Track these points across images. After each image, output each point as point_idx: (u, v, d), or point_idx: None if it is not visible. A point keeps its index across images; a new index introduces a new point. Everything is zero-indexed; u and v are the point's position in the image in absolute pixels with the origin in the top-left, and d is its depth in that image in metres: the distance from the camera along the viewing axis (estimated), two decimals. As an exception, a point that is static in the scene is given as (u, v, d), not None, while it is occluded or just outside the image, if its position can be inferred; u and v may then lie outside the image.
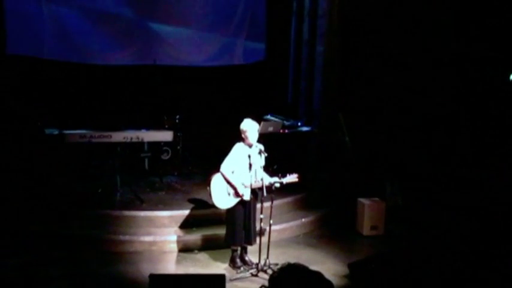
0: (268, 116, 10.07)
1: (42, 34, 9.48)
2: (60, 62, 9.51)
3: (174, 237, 6.92)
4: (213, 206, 6.32)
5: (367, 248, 7.24)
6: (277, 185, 6.19)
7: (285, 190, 6.80)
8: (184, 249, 6.86)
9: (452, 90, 8.26)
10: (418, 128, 8.67)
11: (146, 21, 10.11)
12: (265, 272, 6.14)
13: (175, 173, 8.86)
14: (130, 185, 7.89)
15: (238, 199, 6.16)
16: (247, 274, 6.18)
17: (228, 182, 6.10)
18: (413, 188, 8.42)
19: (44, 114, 8.93)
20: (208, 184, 6.19)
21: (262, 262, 6.17)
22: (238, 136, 6.22)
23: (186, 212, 7.24)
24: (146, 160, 8.89)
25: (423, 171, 8.47)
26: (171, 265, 6.59)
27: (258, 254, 6.17)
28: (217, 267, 6.43)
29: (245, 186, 6.11)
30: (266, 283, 5.62)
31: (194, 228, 7.13)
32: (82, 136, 8.39)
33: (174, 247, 6.87)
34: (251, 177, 6.10)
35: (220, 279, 4.26)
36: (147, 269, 6.15)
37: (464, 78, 8.10)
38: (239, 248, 6.42)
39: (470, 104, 8.04)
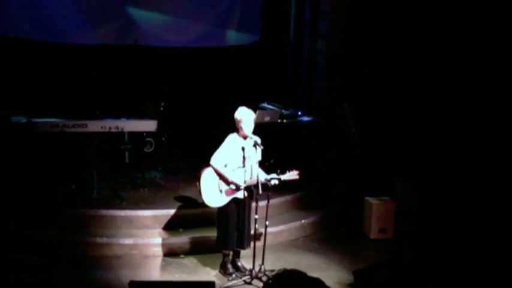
0: (265, 104, 10.07)
1: (7, 9, 9.41)
2: (27, 40, 9.45)
3: (158, 240, 6.93)
4: (203, 204, 6.33)
5: (374, 253, 7.28)
6: (275, 181, 6.20)
7: (283, 188, 6.81)
8: (170, 253, 6.87)
9: (469, 81, 8.28)
10: (434, 120, 8.67)
11: (124, 5, 10.06)
12: (259, 279, 6.16)
13: (160, 168, 8.85)
14: (108, 181, 7.87)
15: (231, 197, 6.16)
16: (240, 281, 6.20)
17: (221, 176, 6.10)
18: (428, 187, 8.45)
19: (10, 100, 8.88)
20: (198, 180, 6.19)
21: (256, 268, 6.19)
22: (232, 126, 6.21)
23: (172, 211, 7.23)
24: (126, 153, 8.86)
25: (439, 168, 8.49)
26: (154, 271, 6.60)
27: (252, 259, 6.19)
28: (207, 273, 6.44)
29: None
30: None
31: (181, 230, 7.14)
32: (54, 125, 8.35)
33: (157, 251, 6.88)
34: (245, 172, 6.10)
35: (209, 286, 4.27)
36: (127, 275, 6.15)
37: (480, 67, 8.13)
38: (231, 252, 6.44)
39: (488, 97, 8.08)
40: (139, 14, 10.17)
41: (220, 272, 6.43)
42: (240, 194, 6.18)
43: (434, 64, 8.61)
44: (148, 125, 8.87)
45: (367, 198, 7.86)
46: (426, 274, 6.47)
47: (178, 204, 7.41)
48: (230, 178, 6.07)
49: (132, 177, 8.43)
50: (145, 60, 10.15)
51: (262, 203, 6.23)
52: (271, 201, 6.32)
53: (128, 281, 4.39)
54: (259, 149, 6.16)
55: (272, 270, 6.25)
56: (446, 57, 8.50)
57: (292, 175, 6.25)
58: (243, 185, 6.07)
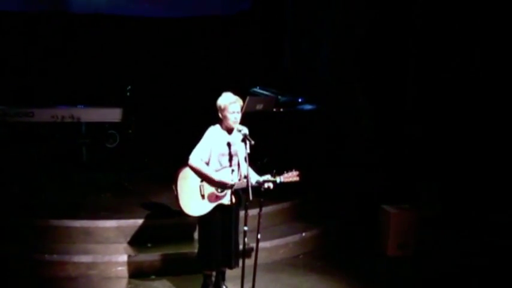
0: (257, 89, 10.08)
1: None
2: None
3: (123, 258, 6.88)
4: (179, 212, 6.27)
5: (392, 274, 7.28)
6: (269, 184, 6.15)
7: (280, 192, 6.75)
8: (137, 273, 6.83)
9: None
10: (466, 111, 8.69)
11: None
12: (249, 306, 6.15)
13: (125, 167, 8.84)
14: (60, 184, 7.82)
15: (215, 203, 6.12)
16: (225, 309, 6.20)
17: (203, 177, 6.03)
18: (458, 193, 8.47)
19: None
20: (174, 183, 6.14)
21: (246, 293, 6.17)
22: (215, 116, 6.17)
23: (140, 221, 7.20)
24: (84, 148, 8.85)
25: (471, 170, 8.51)
26: (117, 296, 6.58)
27: (240, 282, 6.15)
28: (183, 299, 6.44)
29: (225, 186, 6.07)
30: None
31: (150, 245, 7.11)
32: (-8, 114, 8.33)
33: (122, 271, 6.84)
34: (232, 173, 6.06)
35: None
36: (83, 301, 6.12)
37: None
38: (214, 273, 6.40)
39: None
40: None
41: (200, 297, 6.40)
42: (226, 200, 6.13)
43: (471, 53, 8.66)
44: (111, 114, 8.86)
45: (383, 206, 7.86)
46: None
47: (148, 212, 7.37)
48: (217, 177, 6.01)
49: (90, 179, 8.39)
50: (108, 33, 10.10)
51: (253, 212, 6.19)
52: (264, 209, 6.25)
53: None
54: (249, 144, 6.10)
55: (265, 296, 6.24)
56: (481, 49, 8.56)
57: (290, 176, 6.20)
58: (231, 184, 6.01)
